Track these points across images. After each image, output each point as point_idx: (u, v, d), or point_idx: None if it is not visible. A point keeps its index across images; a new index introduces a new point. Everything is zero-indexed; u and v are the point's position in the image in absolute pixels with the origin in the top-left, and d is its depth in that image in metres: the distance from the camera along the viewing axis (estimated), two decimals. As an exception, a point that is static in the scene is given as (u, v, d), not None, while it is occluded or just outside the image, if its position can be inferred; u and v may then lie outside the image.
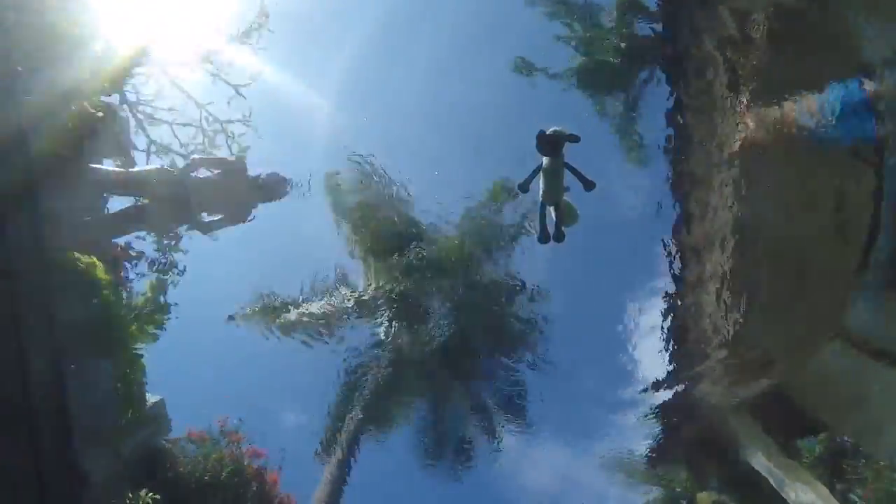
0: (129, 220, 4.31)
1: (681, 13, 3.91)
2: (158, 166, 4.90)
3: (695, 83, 4.16)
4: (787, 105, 3.54)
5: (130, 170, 4.60)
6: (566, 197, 4.50)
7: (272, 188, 4.72)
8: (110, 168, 4.27)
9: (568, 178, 4.43)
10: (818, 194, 3.96)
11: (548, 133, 4.03)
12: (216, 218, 4.52)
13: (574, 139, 4.10)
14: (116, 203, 4.54)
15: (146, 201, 4.34)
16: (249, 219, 4.66)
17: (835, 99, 3.35)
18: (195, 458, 5.22)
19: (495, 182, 11.46)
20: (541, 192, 4.48)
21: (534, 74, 13.76)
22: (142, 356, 3.49)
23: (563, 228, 4.63)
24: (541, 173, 4.34)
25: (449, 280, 12.50)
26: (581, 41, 13.71)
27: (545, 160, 4.24)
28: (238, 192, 4.49)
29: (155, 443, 4.81)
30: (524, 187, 4.71)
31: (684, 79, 4.02)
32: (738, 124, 3.73)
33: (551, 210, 4.60)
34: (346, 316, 11.78)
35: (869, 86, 3.38)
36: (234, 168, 4.61)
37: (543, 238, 4.88)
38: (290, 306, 11.50)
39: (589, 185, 4.32)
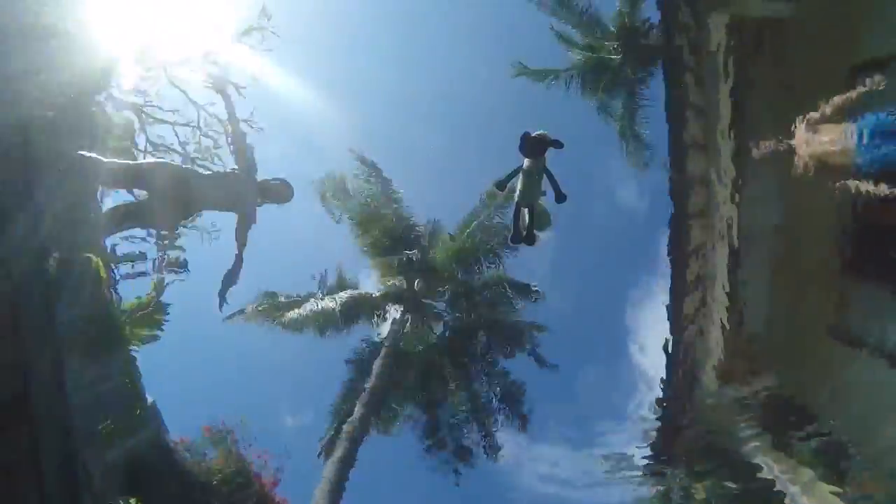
0: (129, 216, 4.27)
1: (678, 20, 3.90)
2: (161, 160, 4.81)
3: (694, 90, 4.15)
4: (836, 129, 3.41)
5: (133, 162, 4.53)
6: (541, 201, 4.52)
7: (277, 192, 4.70)
8: (113, 160, 4.20)
9: (544, 183, 4.45)
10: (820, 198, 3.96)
11: (533, 135, 4.03)
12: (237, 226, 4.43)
13: (558, 145, 4.11)
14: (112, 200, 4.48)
15: (146, 196, 4.29)
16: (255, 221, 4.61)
17: (866, 124, 3.23)
18: (191, 462, 5.23)
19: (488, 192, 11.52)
20: (517, 192, 4.49)
21: (534, 77, 13.76)
22: (135, 358, 3.50)
23: (534, 231, 4.66)
24: (520, 174, 4.35)
25: (451, 278, 12.51)
26: (583, 43, 13.71)
27: (526, 161, 4.25)
28: (242, 193, 4.44)
29: (151, 445, 4.81)
30: (501, 185, 4.72)
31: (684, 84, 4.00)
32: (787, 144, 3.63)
33: (525, 211, 4.62)
34: (350, 312, 11.79)
35: None
36: (243, 170, 4.55)
37: (515, 238, 4.93)
38: (294, 303, 11.53)
39: (560, 197, 4.36)
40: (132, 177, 4.22)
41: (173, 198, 4.13)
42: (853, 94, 3.33)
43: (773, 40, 4.45)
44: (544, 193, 4.49)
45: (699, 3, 4.10)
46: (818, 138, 3.38)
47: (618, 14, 13.27)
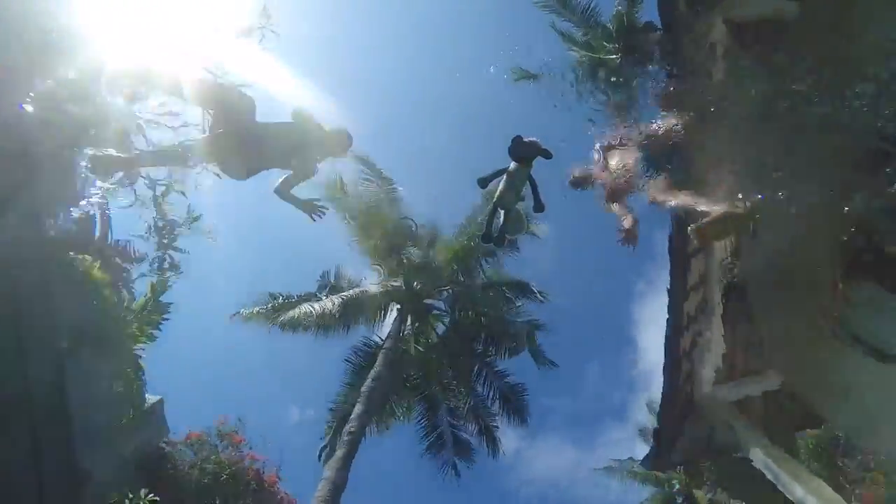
0: (173, 155, 4.06)
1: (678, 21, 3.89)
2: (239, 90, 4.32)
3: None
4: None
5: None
6: (519, 207, 4.55)
7: (336, 142, 4.27)
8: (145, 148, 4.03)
9: (525, 190, 4.46)
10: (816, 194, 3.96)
11: (525, 140, 4.04)
12: (286, 176, 4.01)
13: (547, 155, 4.12)
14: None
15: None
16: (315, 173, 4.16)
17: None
18: (194, 460, 5.24)
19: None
20: (497, 193, 4.50)
21: (533, 79, 13.77)
22: (140, 357, 3.50)
23: (505, 234, 4.68)
24: (504, 176, 4.35)
25: (451, 278, 12.52)
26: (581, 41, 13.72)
27: (512, 165, 4.26)
28: (305, 142, 4.03)
29: (154, 443, 4.82)
30: (483, 184, 4.71)
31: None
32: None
33: (501, 213, 4.64)
34: (350, 312, 11.80)
35: None
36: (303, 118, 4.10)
37: (485, 238, 4.96)
38: (295, 303, 11.54)
39: (539, 207, 4.38)
40: (206, 93, 3.93)
41: (244, 142, 3.75)
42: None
43: (772, 40, 4.45)
44: (523, 199, 4.50)
45: (699, 3, 4.10)
46: (609, 164, 3.36)
47: (617, 14, 13.28)
